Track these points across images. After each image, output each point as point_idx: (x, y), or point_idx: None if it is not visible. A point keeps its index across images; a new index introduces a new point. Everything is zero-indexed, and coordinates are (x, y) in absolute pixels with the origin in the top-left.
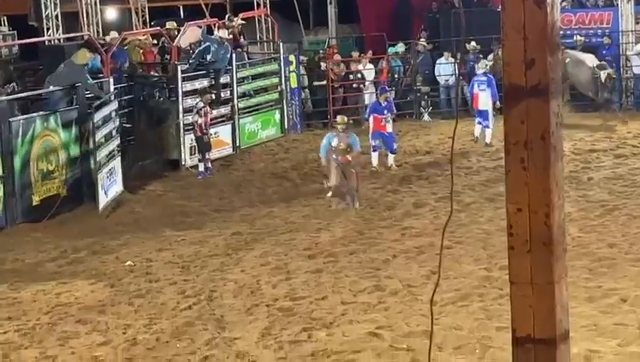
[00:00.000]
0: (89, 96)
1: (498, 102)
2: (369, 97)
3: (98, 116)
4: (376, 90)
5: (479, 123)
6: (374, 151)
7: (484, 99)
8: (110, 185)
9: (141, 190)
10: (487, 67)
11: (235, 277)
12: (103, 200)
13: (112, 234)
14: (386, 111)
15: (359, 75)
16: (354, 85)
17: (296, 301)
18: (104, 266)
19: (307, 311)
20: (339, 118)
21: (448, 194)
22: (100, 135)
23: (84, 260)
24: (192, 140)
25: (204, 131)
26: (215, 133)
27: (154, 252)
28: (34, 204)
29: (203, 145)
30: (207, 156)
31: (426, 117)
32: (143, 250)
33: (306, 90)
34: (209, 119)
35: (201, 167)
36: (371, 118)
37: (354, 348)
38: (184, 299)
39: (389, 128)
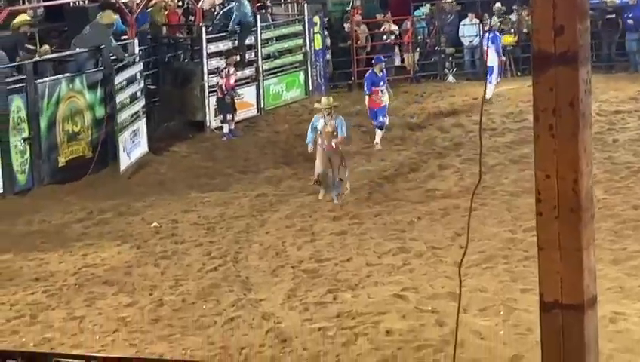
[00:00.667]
0: (112, 58)
1: (503, 57)
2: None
3: (120, 78)
4: (401, 50)
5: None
6: (380, 128)
7: (490, 55)
8: (134, 147)
9: (166, 152)
10: (496, 24)
11: (260, 238)
12: (124, 161)
13: (138, 195)
14: (382, 83)
15: (387, 37)
16: (382, 45)
17: (322, 263)
18: (130, 228)
19: (332, 273)
20: (323, 100)
21: (473, 156)
22: (122, 97)
23: (110, 222)
24: (215, 102)
25: (225, 92)
26: (240, 95)
27: (179, 213)
28: (60, 165)
29: (224, 107)
30: (230, 118)
31: (450, 78)
32: (169, 211)
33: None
34: (232, 80)
35: (225, 129)
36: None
37: (379, 309)
38: (210, 260)
39: (385, 99)
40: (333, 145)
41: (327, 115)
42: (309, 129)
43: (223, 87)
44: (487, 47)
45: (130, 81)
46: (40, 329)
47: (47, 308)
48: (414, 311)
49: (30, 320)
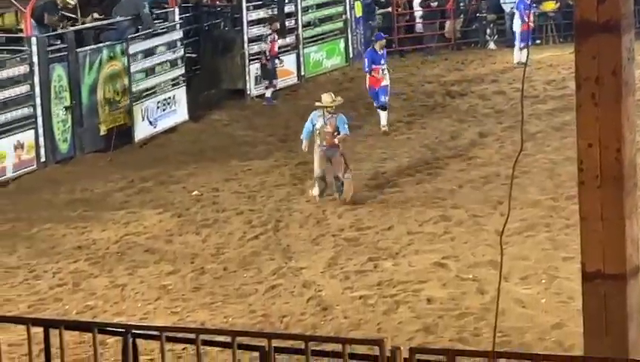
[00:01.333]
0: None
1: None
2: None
3: (137, 48)
4: (443, 17)
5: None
6: (383, 109)
7: (515, 21)
8: (165, 115)
9: (206, 120)
10: None
11: (300, 207)
12: (143, 130)
13: (179, 164)
14: (382, 61)
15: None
16: (423, 12)
17: (362, 231)
18: (171, 196)
19: (373, 241)
20: (325, 97)
21: (514, 124)
22: (141, 66)
23: (151, 190)
24: (257, 69)
25: (268, 58)
26: (280, 63)
27: (220, 182)
28: (101, 133)
29: (268, 73)
30: (275, 83)
31: (491, 45)
32: (210, 179)
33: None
34: (275, 47)
35: (268, 93)
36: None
37: (420, 278)
38: (251, 228)
39: (386, 79)
40: (336, 141)
41: (329, 113)
42: (307, 124)
43: (268, 52)
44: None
45: (168, 47)
46: (83, 296)
47: (90, 276)
48: (455, 280)
49: (73, 288)
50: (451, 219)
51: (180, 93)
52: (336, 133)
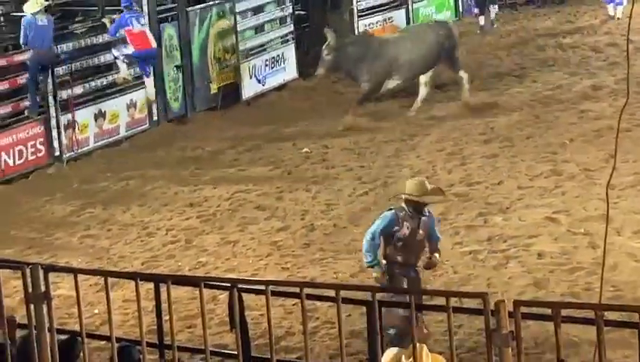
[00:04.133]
0: None
1: None
2: None
3: (246, 5)
4: None
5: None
6: None
7: None
8: (273, 73)
9: (316, 77)
10: None
11: (410, 162)
12: (251, 88)
13: (288, 121)
14: None
15: None
16: None
17: (472, 186)
18: (281, 153)
19: (483, 196)
20: (413, 185)
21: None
22: (250, 24)
23: (261, 147)
24: (365, 26)
25: None
26: (389, 18)
27: (330, 138)
28: (212, 92)
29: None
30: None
31: None
32: (319, 136)
33: None
34: None
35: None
36: None
37: (530, 232)
38: (360, 185)
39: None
40: (426, 266)
41: (418, 212)
42: (370, 238)
43: None
44: None
45: (276, 4)
46: (195, 253)
47: (202, 233)
48: (566, 234)
49: (185, 244)
50: (562, 173)
51: (289, 51)
52: (427, 245)
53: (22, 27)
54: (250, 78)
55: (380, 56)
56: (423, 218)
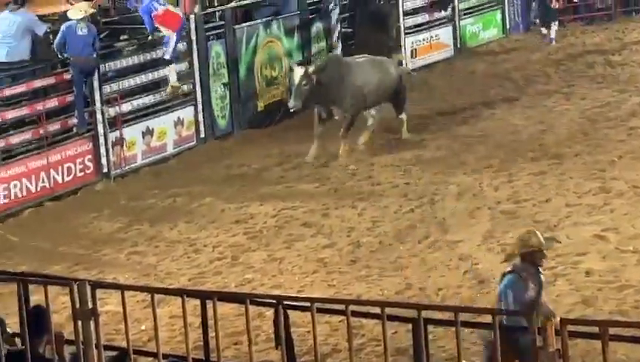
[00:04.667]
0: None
1: None
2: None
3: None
4: None
5: None
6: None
7: None
8: None
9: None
10: None
11: (456, 179)
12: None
13: (334, 138)
14: None
15: None
16: None
17: (519, 203)
18: (327, 170)
19: (530, 214)
20: (534, 235)
21: None
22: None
23: (308, 165)
24: (412, 43)
25: None
26: (436, 36)
27: (376, 155)
28: (259, 109)
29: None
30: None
31: None
32: (366, 153)
33: None
34: None
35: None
36: None
37: (578, 250)
38: (406, 201)
39: None
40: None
41: (537, 267)
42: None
43: None
44: None
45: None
46: (241, 270)
47: (248, 249)
48: (615, 252)
49: (232, 261)
50: (611, 191)
51: None
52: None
53: (60, 31)
54: None
55: (356, 81)
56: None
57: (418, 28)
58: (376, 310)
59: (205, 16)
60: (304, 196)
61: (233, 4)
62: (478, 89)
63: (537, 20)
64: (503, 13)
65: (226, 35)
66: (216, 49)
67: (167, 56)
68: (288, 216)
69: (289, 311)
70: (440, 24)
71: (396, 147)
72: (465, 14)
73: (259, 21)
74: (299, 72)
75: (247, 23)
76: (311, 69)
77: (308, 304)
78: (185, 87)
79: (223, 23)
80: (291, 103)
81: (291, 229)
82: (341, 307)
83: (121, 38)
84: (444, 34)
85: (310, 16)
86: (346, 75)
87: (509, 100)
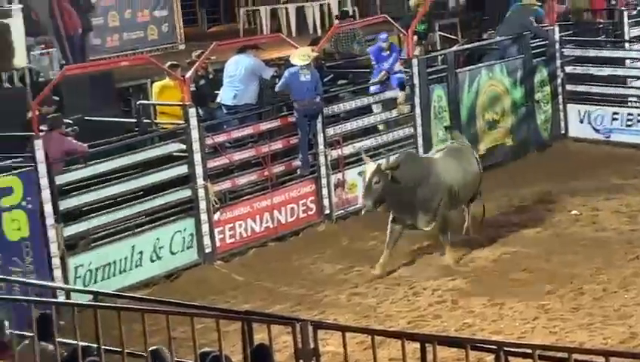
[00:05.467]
0: (534, 44)
1: None
2: None
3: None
4: None
5: None
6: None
7: None
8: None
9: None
10: None
11: None
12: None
13: (554, 183)
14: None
15: None
16: None
17: None
18: (550, 214)
19: None
20: None
21: None
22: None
23: (529, 209)
24: None
25: None
26: None
27: (600, 201)
28: (480, 153)
29: None
30: None
31: None
32: (590, 198)
33: None
34: None
35: None
36: None
37: None
38: (631, 248)
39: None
40: None
41: None
42: None
43: None
44: None
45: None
46: (461, 314)
47: (468, 294)
48: None
49: (452, 305)
50: None
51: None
52: None
53: (283, 77)
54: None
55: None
56: None
57: None
58: (600, 359)
59: (427, 60)
60: (526, 240)
61: (455, 47)
62: None
63: None
64: None
65: (449, 79)
66: (438, 92)
67: (386, 66)
68: (509, 261)
69: (510, 358)
70: None
71: (623, 190)
72: None
73: (481, 65)
74: (371, 167)
75: (470, 67)
76: (384, 164)
77: (530, 351)
78: (406, 109)
79: (445, 66)
80: (360, 203)
81: (512, 274)
82: (564, 355)
83: (339, 82)
84: None
85: (534, 60)
86: (428, 174)
87: None
